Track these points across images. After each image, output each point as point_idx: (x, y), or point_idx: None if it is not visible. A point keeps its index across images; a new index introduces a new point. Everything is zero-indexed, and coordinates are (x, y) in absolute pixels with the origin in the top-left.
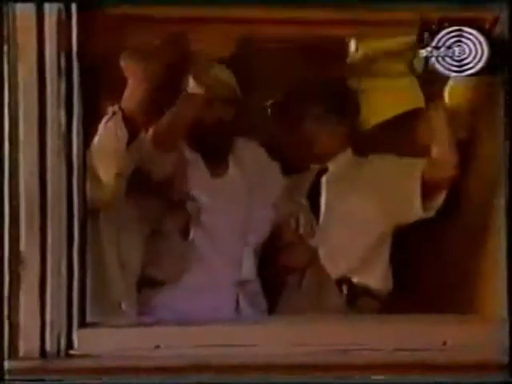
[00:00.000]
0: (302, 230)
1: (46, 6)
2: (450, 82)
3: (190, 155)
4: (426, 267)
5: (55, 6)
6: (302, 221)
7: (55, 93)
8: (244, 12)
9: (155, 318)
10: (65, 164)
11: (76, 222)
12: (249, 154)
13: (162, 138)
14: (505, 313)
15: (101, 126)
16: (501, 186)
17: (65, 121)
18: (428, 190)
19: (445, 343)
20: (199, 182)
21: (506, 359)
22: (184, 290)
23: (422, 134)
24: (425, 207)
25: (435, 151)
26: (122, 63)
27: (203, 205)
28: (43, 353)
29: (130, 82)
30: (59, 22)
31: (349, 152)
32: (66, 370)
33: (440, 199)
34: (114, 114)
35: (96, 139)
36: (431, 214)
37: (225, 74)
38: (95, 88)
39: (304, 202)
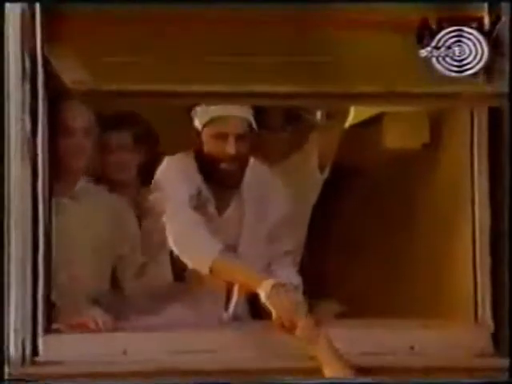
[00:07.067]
0: None
1: (8, 5)
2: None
3: (207, 193)
4: (390, 274)
5: (18, 6)
6: None
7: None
8: None
9: None
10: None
11: (41, 224)
12: (256, 177)
13: None
14: (471, 317)
15: None
16: (466, 190)
17: (30, 125)
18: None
19: (412, 347)
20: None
21: (472, 362)
22: (168, 321)
23: None
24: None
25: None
26: None
27: None
28: (8, 359)
29: None
30: (23, 22)
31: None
32: (32, 376)
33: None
34: None
35: None
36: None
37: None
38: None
39: None
